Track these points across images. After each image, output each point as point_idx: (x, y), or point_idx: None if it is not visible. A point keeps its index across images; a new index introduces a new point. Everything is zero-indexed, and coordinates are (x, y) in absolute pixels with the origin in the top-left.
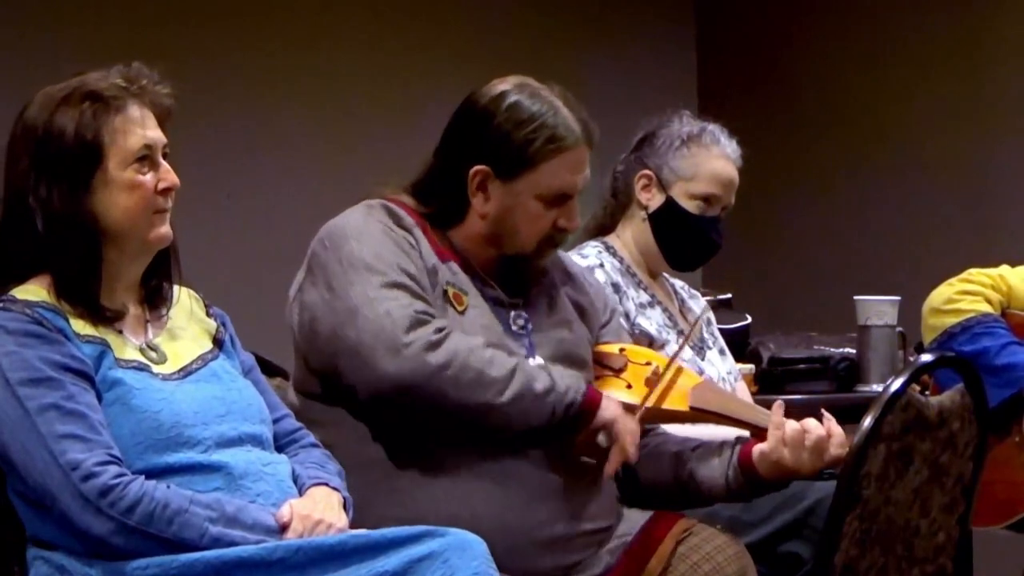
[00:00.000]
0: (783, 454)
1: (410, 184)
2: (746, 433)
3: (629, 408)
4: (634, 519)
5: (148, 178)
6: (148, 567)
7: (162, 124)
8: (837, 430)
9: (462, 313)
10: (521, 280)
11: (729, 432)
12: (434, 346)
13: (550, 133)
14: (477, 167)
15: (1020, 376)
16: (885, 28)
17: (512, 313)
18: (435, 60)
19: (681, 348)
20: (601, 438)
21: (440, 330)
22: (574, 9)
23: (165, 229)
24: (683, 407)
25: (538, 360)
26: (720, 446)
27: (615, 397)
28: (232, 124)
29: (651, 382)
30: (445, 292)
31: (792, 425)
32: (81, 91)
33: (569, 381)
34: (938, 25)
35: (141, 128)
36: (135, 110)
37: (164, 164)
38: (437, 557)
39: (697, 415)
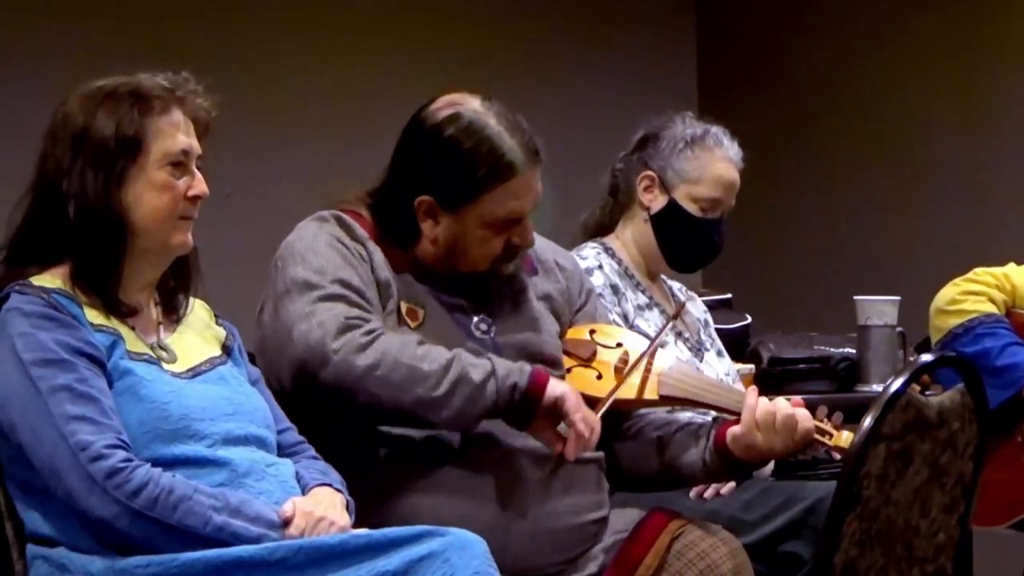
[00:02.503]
0: (756, 437)
1: (367, 194)
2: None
3: (593, 402)
4: (629, 516)
5: (181, 182)
6: (149, 565)
7: (200, 136)
8: (803, 410)
9: (416, 329)
10: (483, 286)
11: None
12: (362, 348)
13: (492, 164)
14: (422, 197)
15: (1020, 377)
16: (885, 28)
17: (474, 319)
18: (435, 58)
19: (655, 340)
20: (562, 427)
21: (370, 332)
22: (574, 8)
23: (187, 236)
24: (653, 395)
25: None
26: (697, 431)
27: (583, 392)
28: (232, 123)
29: (620, 370)
30: (398, 309)
31: (764, 408)
32: (127, 88)
33: (511, 365)
34: (939, 25)
35: (183, 134)
36: (178, 115)
37: (197, 173)
38: (438, 557)
39: (668, 403)
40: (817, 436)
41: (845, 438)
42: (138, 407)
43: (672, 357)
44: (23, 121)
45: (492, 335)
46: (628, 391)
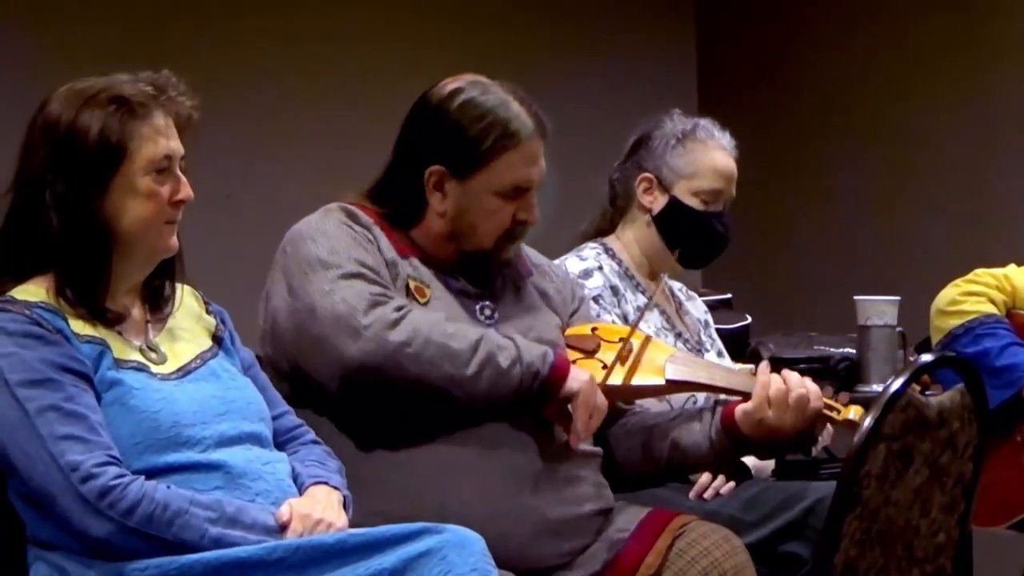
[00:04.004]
0: (767, 413)
1: (368, 188)
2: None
3: (604, 387)
4: (631, 515)
5: (164, 188)
6: (147, 568)
7: (181, 134)
8: (813, 386)
9: (424, 305)
10: (485, 272)
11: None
12: (394, 324)
13: (502, 129)
14: (432, 167)
15: (1020, 377)
16: (885, 27)
17: (478, 304)
18: (435, 60)
19: (642, 315)
20: (571, 408)
21: (399, 308)
22: (574, 9)
23: (173, 240)
24: (659, 380)
25: None
26: (699, 411)
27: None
28: (232, 123)
29: (625, 359)
30: (407, 286)
31: (777, 384)
32: (109, 93)
33: (536, 351)
34: (938, 24)
35: (164, 137)
36: (160, 118)
37: (181, 176)
38: (435, 554)
39: (675, 387)
40: (825, 411)
41: (853, 411)
42: (128, 418)
43: (676, 346)
44: (21, 121)
45: (495, 320)
46: (635, 376)
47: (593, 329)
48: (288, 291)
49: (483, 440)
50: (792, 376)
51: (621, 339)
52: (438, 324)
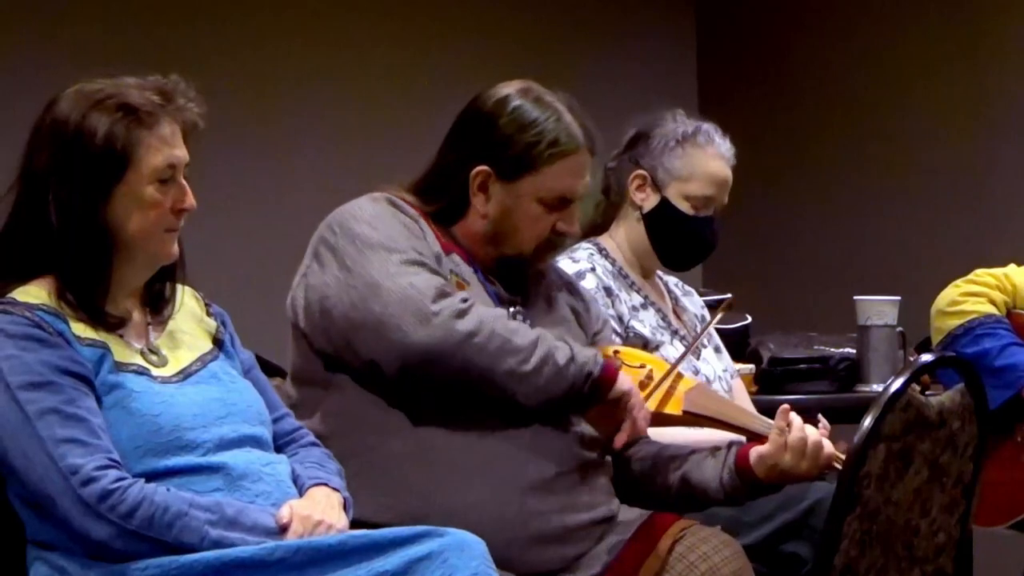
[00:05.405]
0: (783, 459)
1: (411, 183)
2: (740, 437)
3: None
4: (631, 518)
5: (168, 197)
6: (148, 568)
7: (186, 139)
8: (828, 443)
9: None
10: (520, 280)
11: (723, 436)
12: (462, 314)
13: (553, 137)
14: (479, 167)
15: (1019, 377)
16: (886, 28)
17: (511, 309)
18: (435, 61)
19: (682, 358)
20: (624, 408)
21: (466, 300)
22: (574, 9)
23: (173, 247)
24: (676, 411)
25: None
26: (714, 449)
27: None
28: (233, 124)
29: (645, 385)
30: (448, 280)
31: (796, 432)
32: (117, 100)
33: (588, 353)
34: (939, 25)
35: (169, 147)
36: (166, 127)
37: (185, 185)
38: (436, 557)
39: (691, 419)
40: (835, 464)
41: None
42: (128, 422)
43: (697, 379)
44: (21, 125)
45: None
46: (652, 404)
47: (615, 352)
48: (340, 267)
49: (500, 444)
50: (810, 428)
51: (642, 364)
52: (501, 318)
